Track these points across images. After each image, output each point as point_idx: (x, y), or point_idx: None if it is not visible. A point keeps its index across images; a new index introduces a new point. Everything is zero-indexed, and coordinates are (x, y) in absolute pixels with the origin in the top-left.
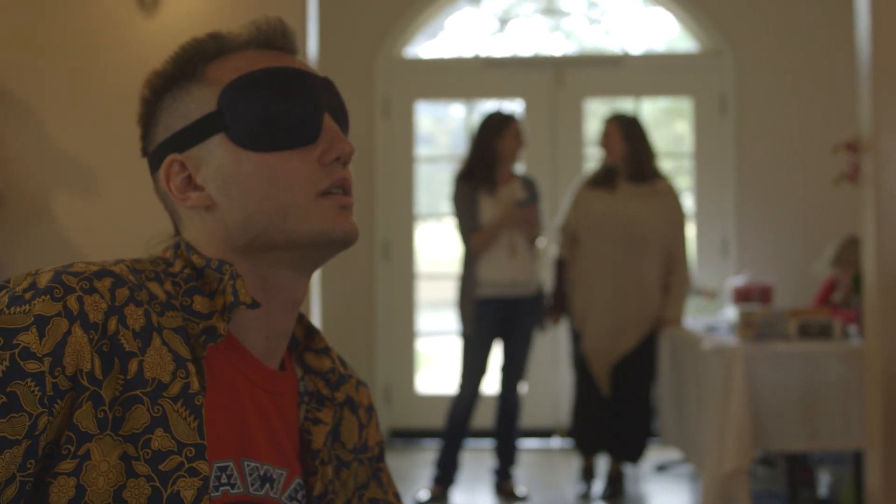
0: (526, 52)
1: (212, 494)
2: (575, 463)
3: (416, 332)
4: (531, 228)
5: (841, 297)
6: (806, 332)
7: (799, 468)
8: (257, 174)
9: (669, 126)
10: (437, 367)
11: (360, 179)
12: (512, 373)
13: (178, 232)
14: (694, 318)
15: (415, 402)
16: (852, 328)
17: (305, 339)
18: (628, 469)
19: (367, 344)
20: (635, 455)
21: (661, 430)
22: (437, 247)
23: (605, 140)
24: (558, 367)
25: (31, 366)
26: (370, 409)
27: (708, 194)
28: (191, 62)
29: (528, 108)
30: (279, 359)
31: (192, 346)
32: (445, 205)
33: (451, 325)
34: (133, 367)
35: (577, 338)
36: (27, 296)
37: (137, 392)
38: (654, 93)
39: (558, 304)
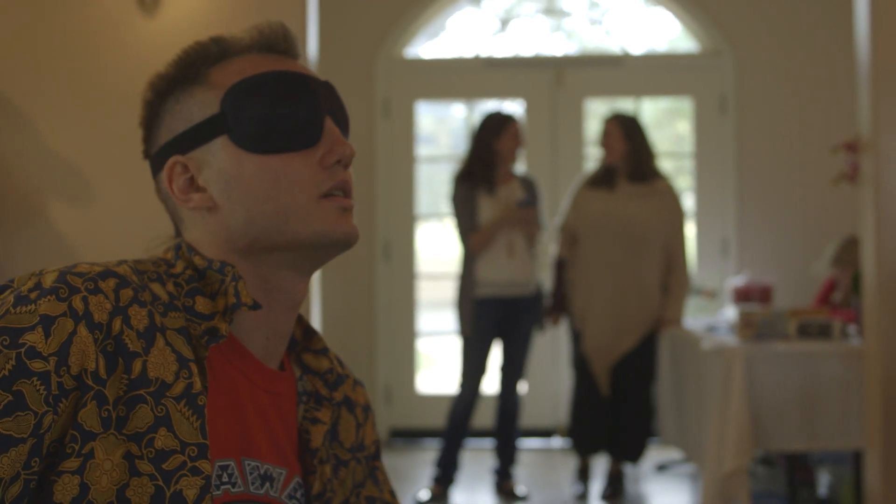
0: (527, 52)
1: (213, 493)
2: (574, 463)
3: (417, 331)
4: (530, 228)
5: (841, 297)
6: (805, 332)
7: (799, 468)
8: (259, 176)
9: (671, 126)
10: (437, 366)
11: (360, 180)
12: (511, 373)
13: (178, 233)
14: (694, 317)
15: (415, 402)
16: (852, 328)
17: (304, 339)
18: (628, 469)
19: (367, 344)
20: (635, 455)
21: (661, 429)
22: (439, 247)
23: (605, 140)
24: (558, 367)
25: (37, 365)
26: (367, 409)
27: (708, 194)
28: (194, 65)
29: (529, 108)
30: (279, 359)
31: (195, 346)
32: (446, 205)
33: (451, 324)
34: (137, 367)
35: (577, 338)
36: (32, 296)
37: (141, 392)
38: (655, 93)
39: (558, 304)
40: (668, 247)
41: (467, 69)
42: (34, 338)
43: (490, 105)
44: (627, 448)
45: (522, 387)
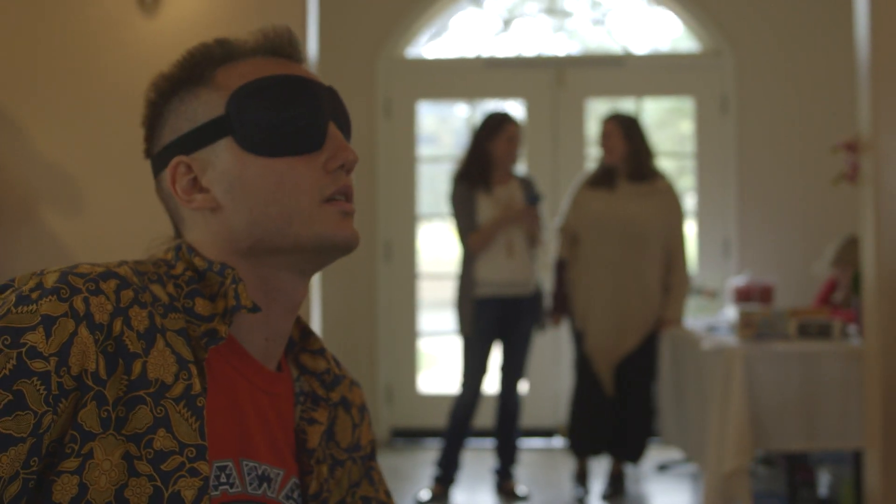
0: (529, 52)
1: (211, 494)
2: (573, 466)
3: (418, 331)
4: (533, 227)
5: (841, 297)
6: (805, 331)
7: (799, 468)
8: (263, 178)
9: (674, 126)
10: (439, 366)
11: (361, 180)
12: (511, 373)
13: (178, 234)
14: (694, 317)
15: (416, 402)
16: (852, 328)
17: (301, 340)
18: (629, 469)
19: (368, 344)
20: (636, 455)
21: (662, 429)
22: (441, 246)
23: (606, 140)
24: (559, 367)
25: (38, 365)
26: (363, 409)
27: (709, 194)
28: (198, 66)
29: (530, 109)
30: (277, 360)
31: (194, 347)
32: (447, 204)
33: (452, 324)
34: (137, 368)
35: (579, 338)
36: (34, 295)
37: (141, 393)
38: (656, 93)
39: (559, 305)
40: (669, 246)
41: (468, 69)
42: (35, 338)
43: (491, 105)
44: (629, 448)
45: (523, 387)
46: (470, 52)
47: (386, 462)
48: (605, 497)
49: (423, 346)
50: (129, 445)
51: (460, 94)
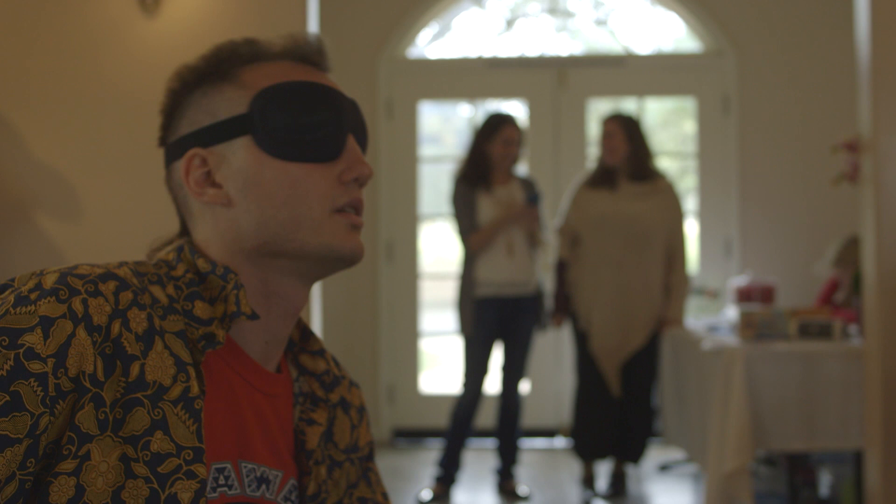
0: (531, 52)
1: (209, 496)
2: (577, 463)
3: (420, 331)
4: (533, 226)
5: (843, 297)
6: (806, 332)
7: (800, 468)
8: (278, 181)
9: (677, 126)
10: (442, 366)
11: None
12: (512, 372)
13: (184, 227)
14: (696, 317)
15: (418, 402)
16: (853, 328)
17: (301, 340)
18: (631, 468)
19: (370, 344)
20: (637, 455)
21: (663, 429)
22: (443, 246)
23: (608, 140)
24: (561, 367)
25: (35, 366)
26: (361, 410)
27: (711, 194)
28: (225, 62)
29: (532, 109)
30: (277, 362)
31: (192, 349)
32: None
33: (454, 324)
34: (135, 369)
35: (582, 339)
36: (33, 296)
37: (138, 395)
38: (657, 93)
39: (561, 306)
40: (670, 245)
41: (470, 69)
42: (33, 339)
43: (493, 105)
44: (631, 448)
45: (524, 387)
46: (471, 53)
47: (387, 462)
48: (607, 497)
49: (425, 346)
50: (127, 447)
51: (462, 94)
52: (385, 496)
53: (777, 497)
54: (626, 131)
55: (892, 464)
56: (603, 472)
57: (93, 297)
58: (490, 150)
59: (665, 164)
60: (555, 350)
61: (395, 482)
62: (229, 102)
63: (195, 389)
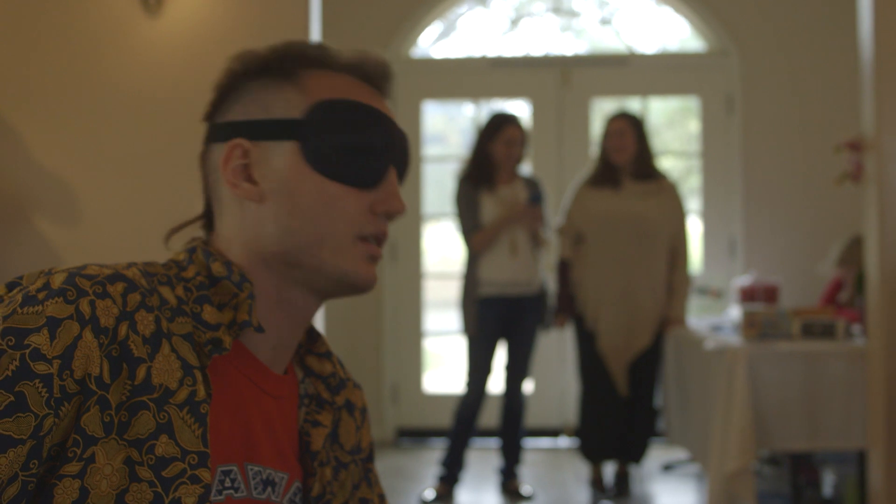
0: (536, 51)
1: (216, 498)
2: (581, 463)
3: (424, 331)
4: (536, 225)
5: (847, 297)
6: (809, 331)
7: (803, 468)
8: (314, 195)
9: (682, 125)
10: (445, 366)
11: None
12: (516, 372)
13: (207, 209)
14: (699, 317)
15: (422, 402)
16: (856, 328)
17: (308, 342)
18: (634, 468)
19: (374, 343)
20: (640, 455)
21: (666, 429)
22: (448, 246)
23: (619, 139)
24: (564, 367)
25: (41, 367)
26: (364, 411)
27: (715, 193)
28: (292, 60)
29: (535, 108)
30: (284, 366)
31: (199, 353)
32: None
33: (458, 324)
34: (141, 372)
35: (587, 340)
36: (40, 296)
37: (144, 398)
38: (661, 92)
39: (565, 306)
40: (673, 244)
41: (474, 69)
42: (39, 339)
43: (497, 105)
44: (634, 448)
45: (528, 386)
46: (475, 52)
47: (391, 462)
48: (611, 496)
49: (429, 345)
50: (131, 450)
51: (465, 93)
52: (382, 497)
53: (780, 497)
54: (635, 130)
55: (895, 463)
56: (608, 472)
57: (100, 299)
58: (493, 149)
59: (670, 163)
60: (558, 349)
61: (399, 482)
62: (286, 103)
63: (201, 393)
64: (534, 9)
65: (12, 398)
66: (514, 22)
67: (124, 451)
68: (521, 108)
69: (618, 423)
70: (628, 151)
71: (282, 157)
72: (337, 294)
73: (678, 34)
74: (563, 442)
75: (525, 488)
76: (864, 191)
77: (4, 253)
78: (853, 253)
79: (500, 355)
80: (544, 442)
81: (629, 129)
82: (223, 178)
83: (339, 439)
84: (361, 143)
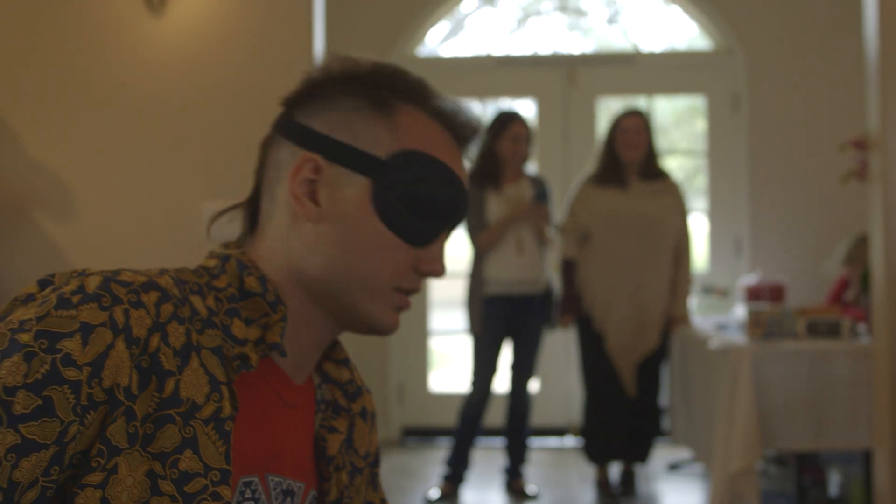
0: (543, 50)
1: None
2: (588, 464)
3: (430, 330)
4: (541, 224)
5: (853, 296)
6: (814, 330)
7: (809, 468)
8: (370, 239)
9: (690, 124)
10: (452, 365)
11: None
12: (521, 371)
13: (254, 196)
14: (704, 316)
15: (428, 401)
16: (862, 327)
17: (326, 348)
18: (640, 468)
19: (380, 342)
20: (645, 455)
21: (671, 429)
22: (454, 245)
23: (633, 136)
24: (570, 366)
25: (70, 373)
26: (374, 415)
27: (721, 192)
28: (390, 89)
29: (541, 107)
30: (305, 377)
31: (226, 367)
32: None
33: (464, 323)
34: (170, 385)
35: (593, 340)
36: (75, 299)
37: (171, 411)
38: (667, 91)
39: (570, 306)
40: (678, 242)
41: (479, 68)
42: (71, 345)
43: (503, 104)
44: (640, 448)
45: (533, 385)
46: (480, 51)
47: (397, 461)
48: (616, 496)
49: (435, 344)
50: (154, 463)
51: (471, 93)
52: (384, 502)
53: (786, 497)
54: (647, 128)
55: None
56: (613, 472)
57: (135, 308)
58: (499, 147)
59: (678, 163)
60: (564, 349)
61: (404, 481)
62: (375, 138)
63: (227, 410)
64: (541, 8)
65: (40, 402)
66: (522, 21)
67: (147, 463)
68: (527, 108)
69: (623, 424)
70: (640, 149)
71: (352, 189)
72: (355, 331)
73: (685, 33)
74: (569, 441)
75: (530, 488)
76: (870, 189)
77: (6, 251)
78: (859, 251)
79: (506, 354)
80: (550, 441)
81: (644, 128)
82: (288, 187)
83: (354, 444)
84: (430, 205)
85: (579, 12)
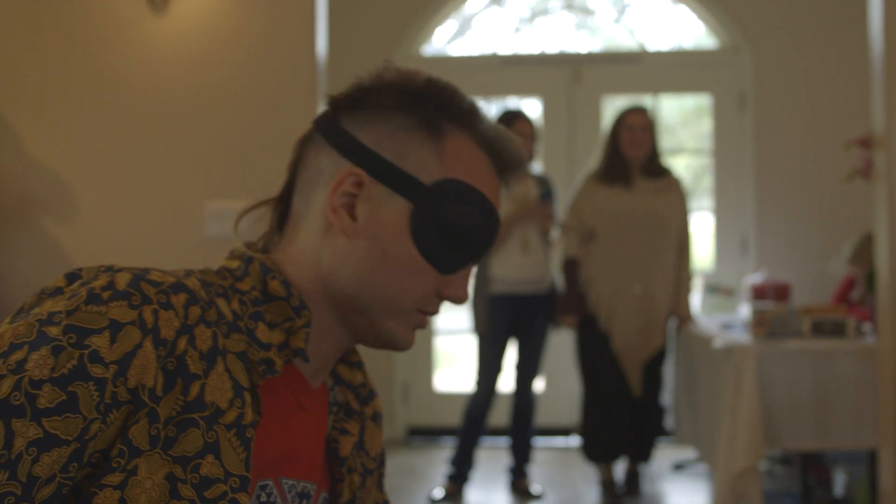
0: (549, 49)
1: None
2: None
3: (435, 329)
4: (547, 223)
5: (859, 295)
6: (819, 330)
7: (815, 468)
8: (403, 262)
9: (698, 124)
10: (458, 365)
11: None
12: (526, 371)
13: (281, 201)
14: (710, 315)
15: (433, 400)
16: (867, 326)
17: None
18: (645, 468)
19: None
20: (648, 454)
21: (676, 428)
22: None
23: (640, 133)
24: (575, 366)
25: (97, 370)
26: (381, 416)
27: (727, 191)
28: (441, 111)
29: (546, 106)
30: (321, 382)
31: (250, 371)
32: None
33: (469, 322)
34: (195, 389)
35: (599, 340)
36: (105, 295)
37: (195, 415)
38: (673, 90)
39: (575, 305)
40: (680, 240)
41: (485, 67)
42: (100, 342)
43: (509, 103)
44: (642, 447)
45: (538, 385)
46: (486, 50)
47: (402, 461)
48: (620, 496)
49: (441, 344)
50: (175, 467)
51: (476, 91)
52: (386, 503)
53: (791, 496)
54: (652, 125)
55: None
56: (618, 471)
57: (164, 310)
58: None
59: (686, 162)
60: (569, 348)
61: (409, 481)
62: (421, 163)
63: (248, 417)
64: (549, 7)
65: (65, 397)
66: (529, 20)
67: (167, 466)
68: (532, 107)
69: (624, 423)
70: (645, 146)
71: (391, 209)
72: (370, 345)
73: (692, 32)
74: (574, 441)
75: (535, 487)
76: (875, 188)
77: (8, 251)
78: (865, 250)
79: (511, 354)
80: (554, 441)
81: (649, 124)
82: (327, 197)
83: (365, 446)
84: (464, 235)
85: (586, 11)
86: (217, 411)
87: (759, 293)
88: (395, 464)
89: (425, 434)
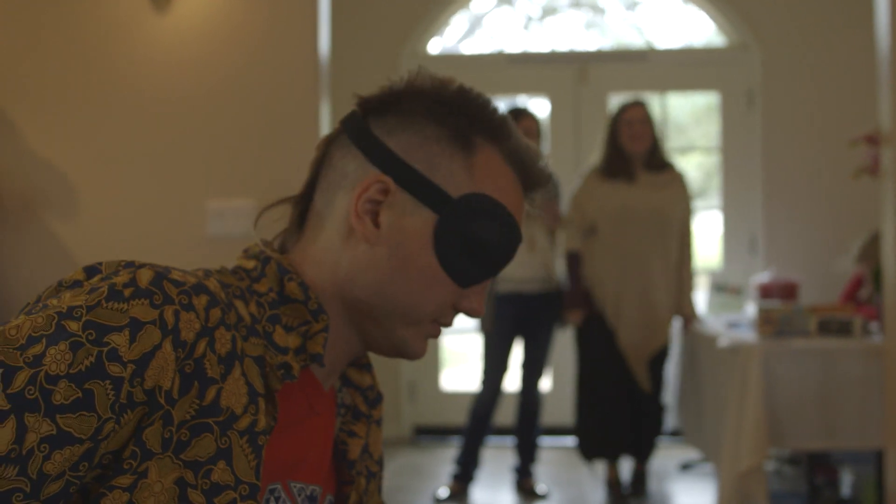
0: (557, 47)
1: None
2: (597, 462)
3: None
4: (553, 222)
5: (867, 294)
6: (826, 328)
7: (821, 467)
8: (424, 272)
9: (709, 122)
10: (465, 364)
11: None
12: (532, 370)
13: (302, 200)
14: (717, 314)
15: (439, 399)
16: (874, 325)
17: None
18: (651, 467)
19: None
20: (649, 453)
21: (681, 428)
22: None
23: (640, 127)
24: None
25: (114, 369)
26: (382, 420)
27: (735, 189)
28: (473, 123)
29: (553, 105)
30: (331, 384)
31: (268, 375)
32: None
33: (475, 321)
34: (211, 393)
35: (605, 336)
36: (126, 292)
37: (210, 420)
38: (680, 88)
39: (581, 301)
40: (682, 235)
41: (491, 65)
42: (119, 340)
43: (518, 101)
44: (643, 446)
45: (544, 384)
46: (492, 48)
47: (408, 459)
48: (626, 496)
49: (448, 343)
50: (186, 472)
51: (483, 90)
52: None
53: (798, 496)
54: (650, 118)
55: None
56: (624, 471)
57: (185, 311)
58: None
59: (697, 160)
60: (575, 347)
61: (415, 480)
62: (450, 175)
63: (261, 424)
64: (558, 5)
65: (80, 394)
66: (540, 18)
67: (178, 470)
68: (539, 105)
69: (625, 421)
70: (646, 140)
71: (416, 220)
72: (382, 353)
73: (702, 30)
74: None
75: (540, 487)
76: (881, 185)
77: (11, 249)
78: (873, 249)
79: (517, 353)
80: (560, 440)
81: (648, 117)
82: (352, 202)
83: (369, 449)
84: (487, 251)
85: (596, 9)
86: (231, 416)
87: (765, 292)
88: (401, 463)
89: (432, 433)
